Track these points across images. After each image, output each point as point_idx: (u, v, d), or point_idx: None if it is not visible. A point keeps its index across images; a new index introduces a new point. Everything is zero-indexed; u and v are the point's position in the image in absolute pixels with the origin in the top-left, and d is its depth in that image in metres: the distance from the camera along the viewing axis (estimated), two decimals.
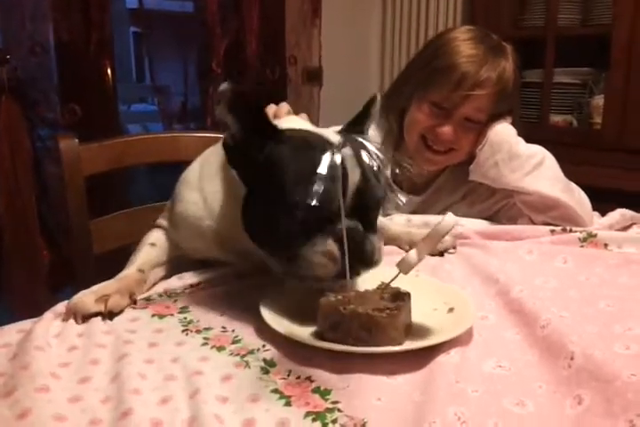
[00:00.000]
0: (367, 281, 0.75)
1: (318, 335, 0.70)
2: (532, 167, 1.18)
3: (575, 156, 2.13)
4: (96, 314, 0.78)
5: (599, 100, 2.14)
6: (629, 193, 1.87)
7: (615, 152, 2.06)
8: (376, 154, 0.73)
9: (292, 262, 0.73)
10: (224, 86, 0.72)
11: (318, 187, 0.68)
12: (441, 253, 1.05)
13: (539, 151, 1.21)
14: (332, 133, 0.81)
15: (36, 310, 0.80)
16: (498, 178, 1.20)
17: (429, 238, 0.69)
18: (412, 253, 0.70)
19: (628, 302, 0.82)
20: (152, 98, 4.16)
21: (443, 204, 1.34)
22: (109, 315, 0.78)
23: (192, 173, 0.95)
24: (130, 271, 0.88)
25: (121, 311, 0.80)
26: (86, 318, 0.78)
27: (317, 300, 0.70)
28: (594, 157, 2.09)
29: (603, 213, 1.23)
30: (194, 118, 2.33)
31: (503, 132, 1.23)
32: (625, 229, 1.17)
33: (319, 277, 0.73)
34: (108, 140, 1.31)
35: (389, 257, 0.83)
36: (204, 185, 0.91)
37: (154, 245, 0.95)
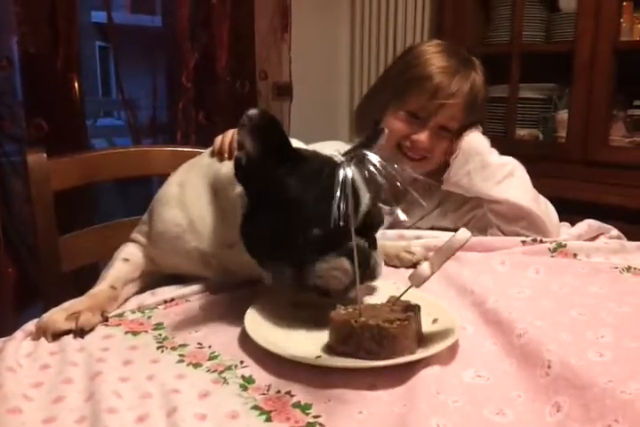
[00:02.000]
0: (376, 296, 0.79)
1: (329, 349, 0.71)
2: (502, 177, 1.21)
3: (541, 168, 2.16)
4: (67, 332, 0.76)
5: (563, 115, 2.19)
6: (594, 204, 1.91)
7: (579, 165, 2.11)
8: (382, 170, 0.75)
9: (304, 277, 0.76)
10: (253, 113, 0.73)
11: (334, 207, 0.70)
12: (414, 266, 1.05)
13: (510, 162, 1.25)
14: (338, 155, 0.82)
15: (1, 330, 0.78)
16: (470, 187, 1.24)
17: (442, 252, 0.71)
18: (425, 267, 0.72)
19: (599, 311, 0.83)
20: (118, 112, 4.12)
21: (419, 214, 1.35)
22: (80, 332, 0.77)
23: (171, 193, 0.94)
24: (101, 288, 0.86)
25: (92, 329, 0.78)
26: (57, 335, 0.76)
27: (298, 313, 0.71)
28: (559, 170, 2.14)
29: (571, 224, 1.25)
30: (162, 132, 2.31)
31: (476, 142, 1.26)
32: (593, 239, 1.19)
33: (331, 289, 0.76)
34: (77, 154, 1.29)
35: None
36: (189, 207, 0.91)
37: (127, 261, 0.94)
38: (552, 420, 0.58)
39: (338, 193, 0.70)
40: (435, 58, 1.27)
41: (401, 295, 0.75)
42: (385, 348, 0.67)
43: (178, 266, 0.95)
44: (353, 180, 0.73)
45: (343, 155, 0.83)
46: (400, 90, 1.28)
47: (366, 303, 0.74)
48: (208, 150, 1.01)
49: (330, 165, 0.77)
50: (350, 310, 0.72)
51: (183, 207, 0.92)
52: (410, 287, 0.74)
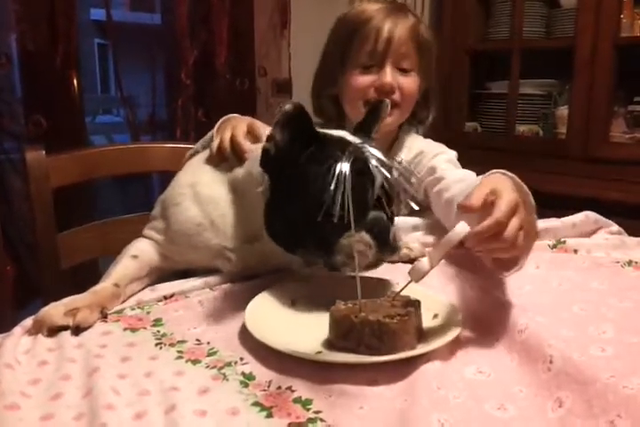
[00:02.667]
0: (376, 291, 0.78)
1: (329, 344, 0.71)
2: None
3: (541, 165, 2.17)
4: (64, 327, 0.76)
5: (563, 111, 2.19)
6: (594, 200, 1.90)
7: (580, 161, 2.10)
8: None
9: (330, 256, 0.78)
10: (289, 106, 0.76)
11: (353, 185, 0.73)
12: (411, 261, 1.05)
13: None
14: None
15: (0, 327, 0.77)
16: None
17: (441, 246, 0.70)
18: (424, 261, 0.71)
19: (601, 306, 0.83)
20: (117, 109, 4.12)
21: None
22: (76, 330, 0.76)
23: (185, 194, 0.94)
24: (105, 285, 0.86)
25: (89, 326, 0.78)
26: (52, 330, 0.75)
27: (297, 309, 0.71)
28: (559, 166, 2.13)
29: None
30: (162, 129, 2.31)
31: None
32: (592, 232, 1.18)
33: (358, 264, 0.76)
34: (76, 150, 1.29)
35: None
36: (207, 207, 0.92)
37: (135, 258, 0.93)
38: (554, 415, 0.58)
39: (351, 171, 0.73)
40: (364, 6, 1.26)
41: (400, 290, 0.74)
42: (385, 343, 0.67)
43: (194, 261, 0.96)
44: (366, 158, 0.77)
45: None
46: (343, 49, 1.25)
47: (366, 298, 0.74)
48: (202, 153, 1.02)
49: (349, 147, 0.79)
50: (350, 305, 0.71)
51: (201, 207, 0.92)
52: (409, 282, 0.73)
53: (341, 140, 0.82)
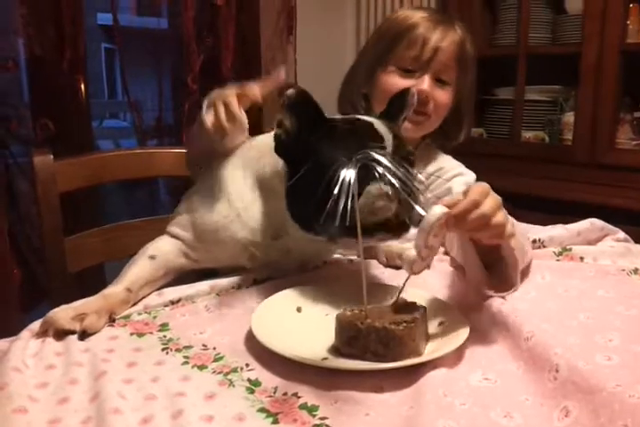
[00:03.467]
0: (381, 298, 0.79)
1: (335, 351, 0.71)
2: None
3: (547, 171, 2.17)
4: (71, 331, 0.76)
5: (570, 117, 2.18)
6: (600, 207, 1.90)
7: (585, 167, 2.10)
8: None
9: (353, 219, 0.73)
10: (291, 93, 0.79)
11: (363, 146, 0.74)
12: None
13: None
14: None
15: (7, 330, 0.78)
16: None
17: (421, 231, 0.70)
18: (411, 253, 0.73)
19: (607, 314, 0.83)
20: (124, 114, 4.13)
21: None
22: (83, 335, 0.77)
23: (213, 187, 0.96)
24: (117, 290, 0.86)
25: (96, 332, 0.78)
26: (59, 334, 0.76)
27: (304, 315, 0.72)
28: (565, 172, 2.13)
29: None
30: (168, 134, 2.32)
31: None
32: (598, 239, 1.18)
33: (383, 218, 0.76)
34: (83, 155, 1.29)
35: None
36: (234, 200, 0.94)
37: (152, 258, 0.93)
38: (560, 424, 0.58)
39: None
40: (414, 13, 1.25)
41: (402, 287, 0.75)
42: (391, 350, 0.67)
43: (218, 258, 0.97)
44: (374, 126, 0.81)
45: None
46: (386, 48, 1.24)
47: (372, 305, 0.74)
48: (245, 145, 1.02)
49: (357, 123, 0.83)
50: (356, 311, 0.71)
51: (229, 200, 0.94)
52: (408, 277, 0.74)
53: (352, 120, 0.85)
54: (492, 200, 0.73)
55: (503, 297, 0.85)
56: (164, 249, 0.95)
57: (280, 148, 0.84)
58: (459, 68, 1.24)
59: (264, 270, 0.96)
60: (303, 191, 0.81)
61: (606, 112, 2.05)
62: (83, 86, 1.93)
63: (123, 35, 2.13)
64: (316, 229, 0.81)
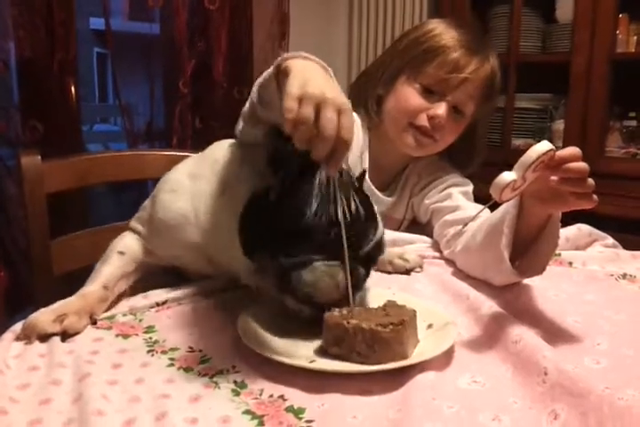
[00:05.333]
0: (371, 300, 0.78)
1: (322, 352, 0.70)
2: None
3: None
4: (53, 334, 0.75)
5: (559, 125, 2.20)
6: (590, 214, 1.91)
7: None
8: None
9: (295, 277, 0.72)
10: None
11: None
12: (407, 272, 1.04)
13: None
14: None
15: None
16: None
17: (524, 162, 0.70)
18: (505, 175, 0.70)
19: (596, 318, 0.83)
20: (115, 118, 4.12)
21: (410, 197, 1.32)
22: (65, 336, 0.75)
23: (181, 183, 0.91)
24: (94, 288, 0.85)
25: (77, 333, 0.77)
26: (42, 337, 0.75)
27: (291, 317, 0.71)
28: None
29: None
30: (159, 138, 2.31)
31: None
32: (587, 245, 1.18)
33: (320, 301, 0.72)
34: (72, 156, 1.28)
35: None
36: (199, 202, 0.88)
37: (122, 254, 0.92)
38: None
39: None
40: (452, 31, 1.19)
41: (482, 209, 0.76)
42: (377, 352, 0.67)
43: (177, 258, 0.94)
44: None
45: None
46: (415, 61, 1.19)
47: (361, 307, 0.73)
48: (222, 142, 0.97)
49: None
50: (345, 312, 0.71)
51: (193, 200, 0.89)
52: (492, 201, 0.73)
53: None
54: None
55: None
56: (130, 244, 0.94)
57: (274, 159, 0.77)
58: (481, 101, 1.22)
59: (222, 275, 0.92)
60: (276, 221, 0.75)
61: (596, 120, 2.07)
62: (73, 89, 1.92)
63: (115, 39, 2.13)
64: (255, 256, 0.78)
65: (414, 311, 0.72)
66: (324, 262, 0.72)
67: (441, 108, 1.17)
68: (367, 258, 0.76)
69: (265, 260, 0.76)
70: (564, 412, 0.58)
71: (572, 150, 0.73)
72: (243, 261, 0.80)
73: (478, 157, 1.31)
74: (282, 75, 0.69)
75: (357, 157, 1.22)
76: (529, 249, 0.88)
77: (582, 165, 0.72)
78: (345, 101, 0.64)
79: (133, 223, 0.97)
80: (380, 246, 0.78)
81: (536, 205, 0.82)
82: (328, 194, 0.72)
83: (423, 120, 1.18)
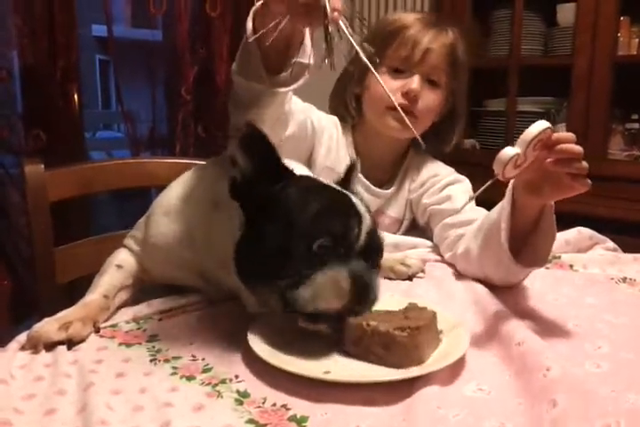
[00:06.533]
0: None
1: (342, 350, 0.72)
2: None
3: None
4: (60, 342, 0.76)
5: (561, 128, 2.19)
6: (591, 217, 1.90)
7: None
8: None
9: (294, 296, 0.70)
10: (242, 125, 0.73)
11: (337, 223, 0.71)
12: (410, 278, 1.04)
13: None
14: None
15: None
16: None
17: (523, 139, 0.73)
18: (508, 150, 0.72)
19: (596, 322, 0.83)
20: (118, 125, 4.13)
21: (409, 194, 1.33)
22: (70, 343, 0.76)
23: (173, 206, 0.91)
24: (94, 297, 0.85)
25: (82, 340, 0.77)
26: (49, 346, 0.75)
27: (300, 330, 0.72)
28: None
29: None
30: (162, 145, 2.32)
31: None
32: (588, 248, 1.18)
33: (321, 313, 0.70)
34: (75, 164, 1.29)
35: None
36: (190, 224, 0.88)
37: (120, 268, 0.92)
38: (548, 417, 0.57)
39: (338, 208, 0.73)
40: (407, 14, 1.26)
41: (482, 189, 0.75)
42: (393, 355, 0.68)
43: (172, 278, 0.94)
44: (354, 200, 0.76)
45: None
46: (379, 50, 1.21)
47: (382, 309, 0.74)
48: (208, 161, 0.99)
49: (329, 186, 0.79)
50: (367, 313, 0.72)
51: (185, 222, 0.89)
52: (494, 179, 0.74)
53: (316, 180, 0.81)
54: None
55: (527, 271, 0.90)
56: (127, 259, 0.95)
57: (236, 192, 0.77)
58: (450, 72, 1.24)
59: (219, 293, 0.90)
60: (257, 248, 0.74)
61: (598, 123, 2.06)
62: (76, 97, 1.93)
63: (117, 46, 2.14)
64: (256, 288, 0.76)
65: (434, 314, 0.73)
66: (318, 272, 0.70)
67: (413, 82, 1.20)
68: (366, 250, 0.74)
69: (263, 288, 0.75)
70: (563, 400, 0.57)
71: (568, 133, 0.77)
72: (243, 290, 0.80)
73: (459, 130, 1.34)
74: None
75: (342, 156, 1.25)
76: (527, 242, 0.90)
77: (576, 146, 0.76)
78: None
79: (128, 241, 0.97)
80: (373, 237, 0.76)
81: (529, 196, 0.84)
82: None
83: (399, 99, 1.20)
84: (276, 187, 0.75)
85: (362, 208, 0.76)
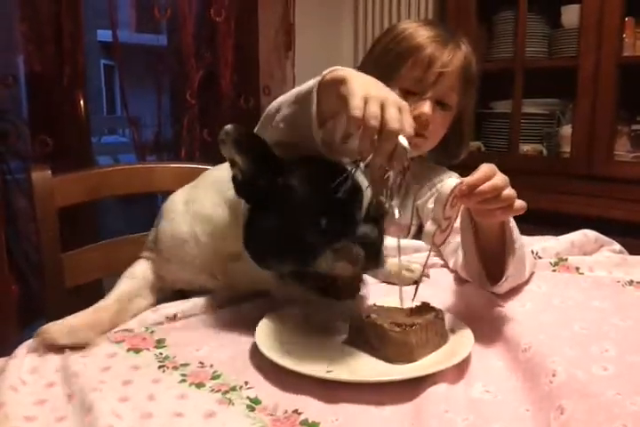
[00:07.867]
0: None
1: (346, 339, 0.76)
2: None
3: (545, 184, 2.17)
4: (65, 346, 0.76)
5: (567, 130, 2.19)
6: (598, 219, 1.90)
7: (584, 180, 2.10)
8: None
9: (313, 269, 0.74)
10: (229, 128, 0.75)
11: (341, 198, 0.73)
12: (415, 283, 1.04)
13: None
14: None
15: (4, 347, 0.77)
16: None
17: (438, 204, 0.75)
18: (429, 224, 0.75)
19: (602, 325, 0.83)
20: (123, 130, 4.14)
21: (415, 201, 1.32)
22: (79, 348, 0.76)
23: (177, 210, 0.94)
24: (107, 302, 0.86)
25: (89, 345, 0.78)
26: (54, 349, 0.75)
27: (308, 327, 0.77)
28: (563, 185, 2.13)
29: None
30: (167, 149, 2.32)
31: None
32: (594, 251, 1.17)
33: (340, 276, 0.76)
34: (82, 170, 1.29)
35: None
36: (196, 223, 0.91)
37: (135, 278, 0.94)
38: (555, 423, 0.57)
39: (340, 185, 0.73)
40: (420, 30, 1.21)
41: (423, 271, 0.84)
42: (385, 349, 0.70)
43: (185, 280, 0.95)
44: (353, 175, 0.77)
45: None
46: (390, 67, 1.19)
47: (389, 305, 0.77)
48: (220, 166, 0.98)
49: (329, 165, 0.80)
50: (375, 307, 0.76)
51: (192, 226, 0.91)
52: (431, 250, 0.80)
53: (314, 160, 0.81)
54: (501, 176, 0.76)
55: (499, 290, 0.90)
56: (141, 271, 0.96)
57: (241, 189, 0.80)
58: (462, 90, 1.22)
59: (227, 292, 0.93)
60: (268, 233, 0.78)
61: (604, 125, 2.06)
62: (82, 102, 1.94)
63: (122, 51, 2.15)
64: (273, 266, 0.80)
65: (438, 315, 0.74)
66: (330, 244, 0.73)
67: (424, 106, 1.18)
68: (369, 217, 0.77)
69: (278, 265, 0.79)
70: (570, 406, 0.58)
71: (479, 174, 0.75)
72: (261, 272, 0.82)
73: (467, 143, 1.34)
74: (335, 84, 0.75)
75: None
76: (500, 259, 0.90)
77: (491, 183, 0.74)
78: (404, 102, 0.73)
79: (144, 251, 0.99)
80: (376, 207, 0.79)
81: (480, 220, 0.86)
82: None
83: None
84: (279, 178, 0.78)
85: (361, 180, 0.78)
